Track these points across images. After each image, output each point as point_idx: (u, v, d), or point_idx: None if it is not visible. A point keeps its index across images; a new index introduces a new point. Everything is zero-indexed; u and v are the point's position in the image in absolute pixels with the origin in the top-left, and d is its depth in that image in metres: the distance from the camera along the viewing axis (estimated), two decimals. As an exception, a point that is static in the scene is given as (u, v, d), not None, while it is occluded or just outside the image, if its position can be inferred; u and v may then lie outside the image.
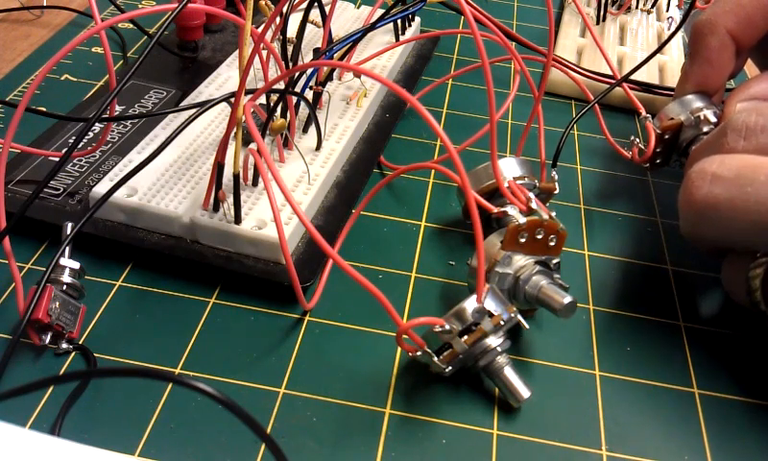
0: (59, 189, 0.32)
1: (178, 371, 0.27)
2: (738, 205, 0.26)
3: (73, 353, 0.27)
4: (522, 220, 0.28)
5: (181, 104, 0.37)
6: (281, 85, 0.32)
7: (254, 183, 0.32)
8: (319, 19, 0.38)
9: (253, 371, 0.27)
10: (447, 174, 0.29)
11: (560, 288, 0.27)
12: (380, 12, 0.40)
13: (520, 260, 0.28)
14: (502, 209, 0.29)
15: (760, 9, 0.34)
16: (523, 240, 0.28)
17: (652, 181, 0.39)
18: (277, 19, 0.33)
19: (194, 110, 0.32)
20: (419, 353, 0.26)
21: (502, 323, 0.26)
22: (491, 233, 0.29)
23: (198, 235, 0.30)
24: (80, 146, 0.30)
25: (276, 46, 0.35)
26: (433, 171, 0.38)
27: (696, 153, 0.31)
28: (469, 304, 0.25)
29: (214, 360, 0.27)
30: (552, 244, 0.29)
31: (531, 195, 0.30)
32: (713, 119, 0.34)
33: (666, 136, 0.35)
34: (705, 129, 0.34)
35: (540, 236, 0.28)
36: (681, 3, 0.57)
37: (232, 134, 0.29)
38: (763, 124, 0.28)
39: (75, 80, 0.42)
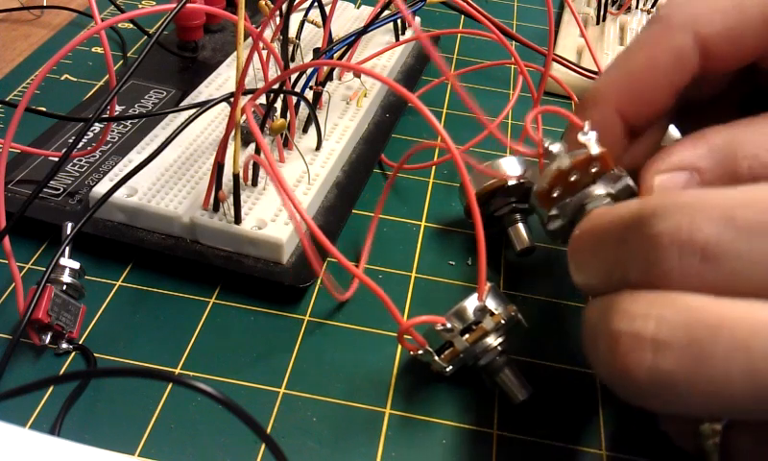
0: (59, 189, 0.32)
1: (178, 371, 0.27)
2: (701, 385, 0.18)
3: (73, 353, 0.27)
4: (597, 150, 0.24)
5: (181, 104, 0.37)
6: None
7: (254, 183, 0.32)
8: (319, 19, 0.38)
9: (253, 371, 0.27)
10: (459, 166, 0.25)
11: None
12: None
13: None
14: (546, 146, 0.25)
15: (653, 74, 0.25)
16: (573, 178, 0.25)
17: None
18: (278, 19, 0.33)
19: (194, 110, 0.32)
20: (420, 352, 0.26)
21: (503, 322, 0.26)
22: (491, 233, 0.29)
23: (198, 235, 0.30)
24: (80, 146, 0.30)
25: (277, 46, 0.35)
26: (433, 171, 0.38)
27: (600, 235, 0.22)
28: (470, 303, 0.25)
29: (214, 360, 0.27)
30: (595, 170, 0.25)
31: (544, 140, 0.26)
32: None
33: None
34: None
35: (573, 178, 0.25)
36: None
37: (232, 134, 0.29)
38: (714, 239, 0.19)
39: (75, 80, 0.42)
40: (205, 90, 0.38)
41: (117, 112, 0.38)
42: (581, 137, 0.25)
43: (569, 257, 0.23)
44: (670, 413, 0.23)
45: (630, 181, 0.25)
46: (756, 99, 0.28)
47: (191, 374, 0.27)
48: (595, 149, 0.24)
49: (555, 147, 0.25)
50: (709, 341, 0.18)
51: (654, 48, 0.25)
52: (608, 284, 0.21)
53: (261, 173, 0.32)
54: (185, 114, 0.35)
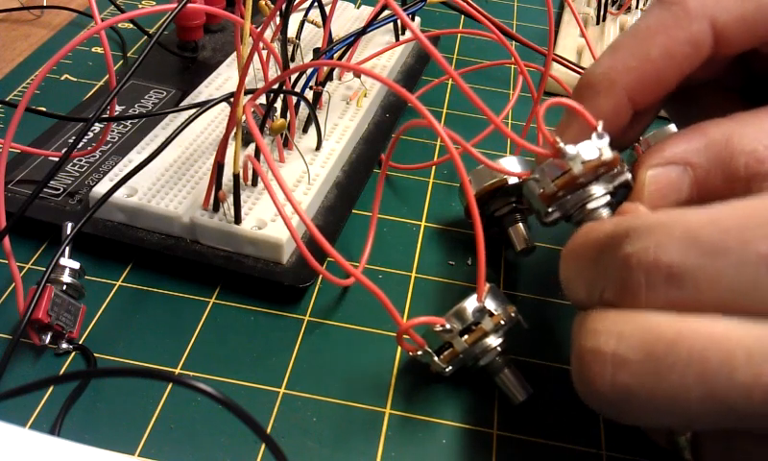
0: (59, 189, 0.32)
1: (178, 371, 0.27)
2: (660, 397, 0.19)
3: (73, 353, 0.27)
4: (610, 155, 0.24)
5: (181, 104, 0.37)
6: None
7: (254, 183, 0.32)
8: (319, 19, 0.38)
9: (253, 371, 0.27)
10: (458, 167, 0.25)
11: None
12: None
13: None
14: (560, 147, 0.25)
15: (670, 62, 0.25)
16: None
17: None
18: (278, 19, 0.33)
19: (194, 110, 0.32)
20: (419, 353, 0.26)
21: (502, 322, 0.26)
22: (491, 234, 0.29)
23: (198, 235, 0.30)
24: (80, 146, 0.30)
25: (277, 46, 0.35)
26: (433, 171, 0.38)
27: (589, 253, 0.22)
28: (470, 304, 0.25)
29: (214, 360, 0.27)
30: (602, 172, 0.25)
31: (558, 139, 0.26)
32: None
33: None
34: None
35: (580, 180, 0.25)
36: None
37: (232, 134, 0.29)
38: (677, 263, 0.19)
39: (75, 80, 0.42)
40: (205, 90, 0.38)
41: (117, 112, 0.38)
42: (596, 141, 0.24)
43: (560, 274, 0.24)
44: (640, 425, 0.23)
45: (629, 176, 0.25)
46: (750, 83, 0.28)
47: (191, 374, 0.27)
48: (608, 154, 0.24)
49: (571, 150, 0.24)
50: (666, 355, 0.19)
51: (671, 35, 0.25)
52: (589, 301, 0.22)
53: (261, 173, 0.32)
54: (185, 114, 0.35)
